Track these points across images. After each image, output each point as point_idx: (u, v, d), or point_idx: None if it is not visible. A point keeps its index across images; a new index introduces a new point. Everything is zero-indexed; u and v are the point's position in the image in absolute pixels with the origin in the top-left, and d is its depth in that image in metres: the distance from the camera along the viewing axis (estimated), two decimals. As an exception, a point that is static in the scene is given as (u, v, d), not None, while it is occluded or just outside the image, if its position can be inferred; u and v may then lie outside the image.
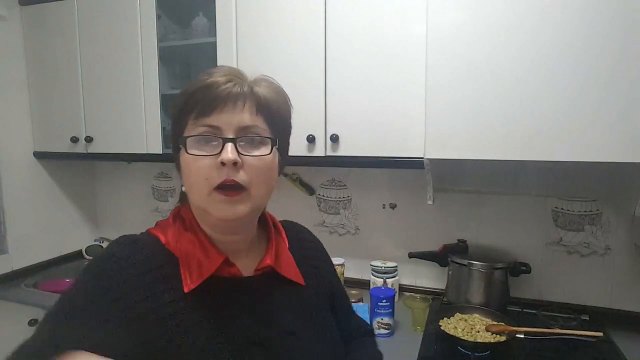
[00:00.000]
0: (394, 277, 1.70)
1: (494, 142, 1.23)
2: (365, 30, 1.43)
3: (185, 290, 0.64)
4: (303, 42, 1.49)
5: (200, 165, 0.63)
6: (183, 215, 0.72)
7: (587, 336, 1.33)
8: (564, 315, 1.48)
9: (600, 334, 1.32)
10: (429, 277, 1.78)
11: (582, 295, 1.59)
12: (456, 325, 1.37)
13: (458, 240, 1.67)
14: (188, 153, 0.63)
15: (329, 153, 1.51)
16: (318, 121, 1.50)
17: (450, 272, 1.63)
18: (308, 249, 0.88)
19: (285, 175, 1.92)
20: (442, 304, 1.62)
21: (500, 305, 1.52)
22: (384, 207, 1.82)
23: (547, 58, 1.16)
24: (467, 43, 1.23)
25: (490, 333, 1.32)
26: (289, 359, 0.68)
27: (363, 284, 1.75)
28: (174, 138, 0.69)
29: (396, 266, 1.72)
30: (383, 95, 1.43)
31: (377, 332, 1.43)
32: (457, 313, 1.45)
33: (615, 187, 1.50)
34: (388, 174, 1.78)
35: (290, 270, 0.76)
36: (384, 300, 1.43)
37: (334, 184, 1.89)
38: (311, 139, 1.50)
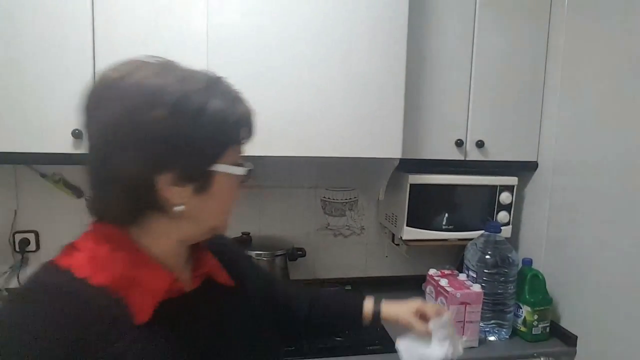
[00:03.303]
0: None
1: (271, 140, 1.33)
2: (141, 20, 1.33)
3: (138, 322, 0.57)
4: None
5: (237, 190, 0.65)
6: (109, 234, 0.60)
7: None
8: (333, 288, 1.73)
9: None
10: (216, 273, 1.80)
11: (346, 269, 1.89)
12: (244, 314, 1.43)
13: (242, 233, 1.75)
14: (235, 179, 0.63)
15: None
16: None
17: (236, 265, 1.69)
18: (223, 246, 0.81)
19: (44, 176, 1.63)
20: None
21: (282, 288, 1.66)
22: (167, 206, 1.74)
23: (316, 64, 1.33)
24: (244, 44, 1.29)
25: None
26: None
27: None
28: (202, 160, 0.59)
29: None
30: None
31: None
32: (244, 302, 1.51)
33: (367, 177, 1.83)
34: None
35: (221, 274, 0.72)
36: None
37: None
38: (78, 134, 1.32)
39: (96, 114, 0.58)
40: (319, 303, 0.97)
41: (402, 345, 0.91)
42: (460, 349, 0.88)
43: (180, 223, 0.61)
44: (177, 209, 0.59)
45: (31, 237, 1.66)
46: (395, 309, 0.93)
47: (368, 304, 0.95)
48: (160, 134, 0.55)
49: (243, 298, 0.75)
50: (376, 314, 0.94)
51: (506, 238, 1.56)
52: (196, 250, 0.71)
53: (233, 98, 0.64)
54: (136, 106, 0.54)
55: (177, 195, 0.58)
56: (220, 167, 0.60)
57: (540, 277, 1.48)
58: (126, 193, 0.57)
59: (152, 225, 0.61)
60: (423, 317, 0.90)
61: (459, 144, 1.55)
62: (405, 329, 0.92)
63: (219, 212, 0.65)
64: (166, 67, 0.59)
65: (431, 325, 0.88)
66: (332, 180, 1.85)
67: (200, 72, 0.62)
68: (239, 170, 0.63)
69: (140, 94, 0.55)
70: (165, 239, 0.63)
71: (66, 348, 0.52)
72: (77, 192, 1.67)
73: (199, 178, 0.59)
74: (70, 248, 0.61)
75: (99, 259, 0.58)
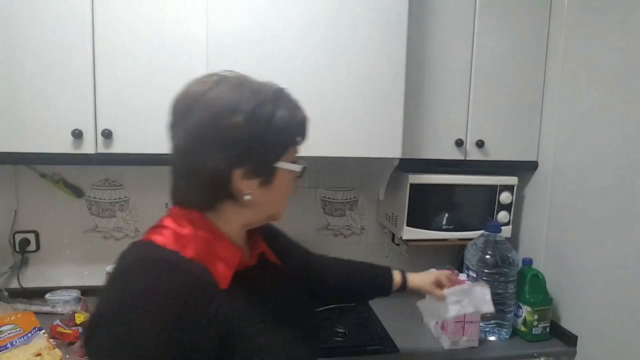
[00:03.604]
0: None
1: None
2: (141, 21, 1.34)
3: (224, 286, 0.68)
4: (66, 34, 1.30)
5: (293, 185, 0.77)
6: (189, 217, 0.72)
7: (350, 303, 1.59)
8: (332, 288, 1.73)
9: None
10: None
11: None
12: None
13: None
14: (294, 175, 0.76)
15: (101, 150, 1.36)
16: (86, 114, 1.33)
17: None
18: (270, 232, 0.97)
19: (44, 176, 1.63)
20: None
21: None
22: (166, 206, 1.74)
23: (316, 64, 1.33)
24: (245, 46, 1.30)
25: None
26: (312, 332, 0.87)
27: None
28: (268, 158, 0.71)
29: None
30: (162, 91, 1.37)
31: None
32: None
33: (367, 177, 1.83)
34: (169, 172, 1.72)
35: (271, 254, 0.86)
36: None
37: (107, 183, 1.71)
38: (78, 134, 1.32)
39: (184, 120, 0.70)
40: (354, 272, 1.14)
41: (422, 305, 1.20)
42: (489, 307, 1.18)
43: (247, 210, 0.73)
44: (246, 198, 0.71)
45: (31, 237, 1.66)
46: (418, 278, 1.16)
47: (396, 274, 1.15)
48: (237, 136, 0.67)
49: (287, 274, 0.89)
50: (404, 282, 1.14)
51: (506, 238, 1.56)
52: (251, 234, 0.83)
53: (294, 106, 0.74)
54: (219, 114, 0.67)
55: (246, 187, 0.70)
56: (282, 165, 0.73)
57: (540, 277, 1.48)
58: (207, 184, 0.70)
59: (225, 210, 0.73)
60: (439, 285, 1.16)
61: (459, 143, 1.55)
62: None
63: (278, 203, 0.77)
64: (241, 80, 0.72)
65: (445, 291, 1.14)
66: (332, 180, 1.85)
67: (268, 84, 0.74)
68: (296, 167, 0.75)
69: (221, 104, 0.67)
70: (234, 222, 0.75)
71: (180, 308, 0.61)
72: (77, 192, 1.67)
73: (265, 173, 0.71)
74: (156, 229, 0.72)
75: (184, 236, 0.70)
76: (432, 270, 1.25)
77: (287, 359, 0.72)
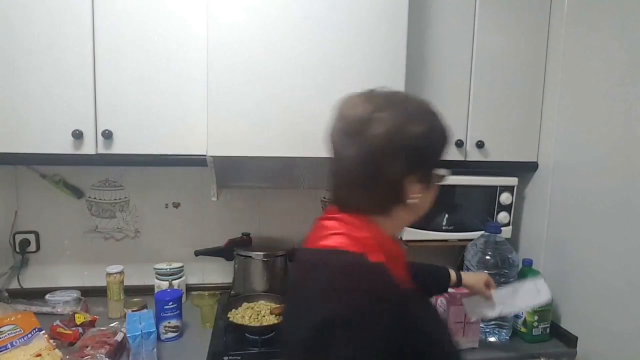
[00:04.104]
0: (180, 277, 1.66)
1: (270, 140, 1.33)
2: (141, 21, 1.34)
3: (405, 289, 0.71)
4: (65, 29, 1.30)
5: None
6: (360, 222, 0.76)
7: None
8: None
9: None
10: (217, 273, 1.80)
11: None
12: (244, 315, 1.43)
13: (242, 234, 1.75)
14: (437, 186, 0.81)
15: (101, 151, 1.36)
16: (86, 115, 1.33)
17: (236, 266, 1.69)
18: None
19: (44, 176, 1.63)
20: (230, 297, 1.66)
21: (283, 289, 1.66)
22: (166, 207, 1.75)
23: (315, 63, 1.33)
24: (246, 45, 1.29)
25: (274, 315, 1.43)
26: None
27: (147, 290, 1.64)
28: (429, 170, 0.78)
29: (182, 266, 1.68)
30: (162, 92, 1.38)
31: (164, 336, 1.37)
32: (244, 302, 1.51)
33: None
34: (170, 173, 1.72)
35: None
36: (170, 303, 1.38)
37: (107, 184, 1.71)
38: (78, 135, 1.32)
39: (363, 130, 0.73)
40: (420, 270, 1.15)
41: (468, 302, 1.29)
42: (545, 295, 1.30)
43: (409, 213, 0.79)
44: (411, 202, 0.76)
45: (31, 237, 1.66)
46: (472, 277, 1.25)
47: (452, 272, 1.22)
48: (416, 145, 0.74)
49: None
50: (458, 280, 1.22)
51: (506, 239, 1.56)
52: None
53: (442, 118, 0.80)
54: (401, 125, 0.72)
55: (414, 192, 0.76)
56: (438, 170, 0.79)
57: (541, 277, 1.47)
58: (385, 190, 0.75)
59: (394, 214, 0.77)
60: (488, 286, 1.25)
61: (459, 144, 1.55)
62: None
63: (429, 205, 0.83)
64: (404, 94, 0.81)
65: (493, 292, 1.25)
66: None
67: (420, 98, 0.80)
68: (445, 172, 0.81)
69: (403, 115, 0.74)
70: (398, 226, 0.81)
71: (402, 307, 0.65)
72: (77, 192, 1.68)
73: (429, 178, 0.78)
74: (327, 235, 0.75)
75: (364, 241, 0.74)
76: (484, 272, 1.38)
77: None
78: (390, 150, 0.72)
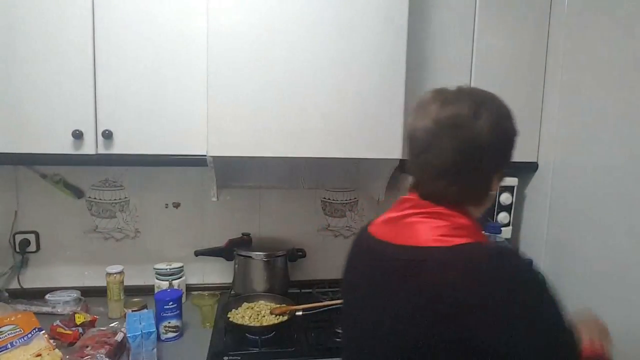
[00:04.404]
0: (180, 277, 1.66)
1: (271, 140, 1.33)
2: (140, 21, 1.34)
3: None
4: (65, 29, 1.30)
5: None
6: (461, 213, 0.80)
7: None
8: (333, 289, 1.74)
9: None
10: (217, 273, 1.80)
11: (345, 270, 1.88)
12: (244, 314, 1.43)
13: (242, 234, 1.75)
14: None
15: (101, 151, 1.36)
16: (86, 115, 1.33)
17: (236, 266, 1.69)
18: None
19: (45, 177, 1.63)
20: (230, 297, 1.66)
21: (283, 289, 1.67)
22: (166, 207, 1.75)
23: (315, 64, 1.33)
24: (246, 44, 1.29)
25: (274, 315, 1.43)
26: None
27: (147, 290, 1.64)
28: (504, 165, 0.84)
29: (182, 266, 1.68)
30: (162, 92, 1.38)
31: (164, 336, 1.37)
32: (244, 303, 1.51)
33: (367, 178, 1.82)
34: (170, 173, 1.72)
35: None
36: (170, 303, 1.38)
37: (107, 184, 1.71)
38: (78, 135, 1.32)
39: (471, 123, 0.77)
40: None
41: None
42: None
43: (486, 204, 0.85)
44: (492, 193, 0.84)
45: (31, 237, 1.66)
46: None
47: None
48: (508, 141, 0.81)
49: None
50: None
51: (506, 239, 1.56)
52: None
53: None
54: (503, 119, 0.80)
55: (496, 184, 0.84)
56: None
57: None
58: (483, 181, 0.82)
59: (482, 204, 0.84)
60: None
61: (459, 144, 1.55)
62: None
63: (489, 199, 0.86)
64: (488, 93, 0.83)
65: None
66: (332, 180, 1.85)
67: (498, 96, 0.85)
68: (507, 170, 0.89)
69: (504, 110, 0.81)
70: (478, 214, 0.85)
71: (544, 282, 0.72)
72: (77, 192, 1.68)
73: (504, 173, 0.85)
74: (453, 230, 0.77)
75: (471, 230, 0.78)
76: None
77: None
78: (493, 143, 0.78)
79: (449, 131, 0.77)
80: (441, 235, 0.75)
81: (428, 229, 0.76)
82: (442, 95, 0.80)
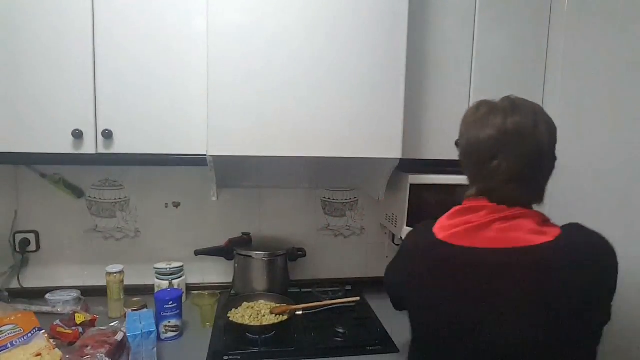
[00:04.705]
0: (180, 277, 1.66)
1: (271, 140, 1.33)
2: (141, 21, 1.34)
3: None
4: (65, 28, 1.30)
5: None
6: (536, 211, 0.91)
7: (349, 302, 1.59)
8: (333, 288, 1.74)
9: (358, 298, 1.60)
10: (217, 273, 1.80)
11: (346, 269, 1.89)
12: (244, 314, 1.43)
13: (242, 233, 1.75)
14: None
15: (101, 150, 1.36)
16: (86, 115, 1.33)
17: (236, 265, 1.69)
18: None
19: (45, 176, 1.63)
20: (230, 296, 1.67)
21: (282, 288, 1.67)
22: (166, 207, 1.75)
23: (315, 63, 1.33)
24: (246, 44, 1.29)
25: (274, 315, 1.43)
26: None
27: (147, 290, 1.64)
28: (554, 167, 0.95)
29: (182, 266, 1.68)
30: (162, 92, 1.38)
31: (164, 336, 1.37)
32: (244, 302, 1.52)
33: (367, 177, 1.83)
34: (170, 173, 1.72)
35: None
36: (171, 302, 1.38)
37: (107, 184, 1.71)
38: (78, 135, 1.32)
39: (524, 143, 0.87)
40: None
41: None
42: None
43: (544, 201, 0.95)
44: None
45: (31, 237, 1.66)
46: None
47: None
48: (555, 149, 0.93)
49: None
50: None
51: (506, 238, 1.55)
52: None
53: None
54: (554, 136, 0.92)
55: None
56: None
57: (541, 277, 1.47)
58: (544, 183, 0.94)
59: (542, 202, 0.94)
60: None
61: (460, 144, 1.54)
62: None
63: None
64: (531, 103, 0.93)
65: None
66: (332, 180, 1.85)
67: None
68: None
69: (552, 127, 0.92)
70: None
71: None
72: (77, 192, 1.68)
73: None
74: (541, 228, 0.86)
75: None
76: None
77: None
78: (550, 149, 0.91)
79: (515, 139, 0.85)
80: (539, 233, 0.83)
81: (526, 229, 0.84)
82: (500, 107, 0.88)
